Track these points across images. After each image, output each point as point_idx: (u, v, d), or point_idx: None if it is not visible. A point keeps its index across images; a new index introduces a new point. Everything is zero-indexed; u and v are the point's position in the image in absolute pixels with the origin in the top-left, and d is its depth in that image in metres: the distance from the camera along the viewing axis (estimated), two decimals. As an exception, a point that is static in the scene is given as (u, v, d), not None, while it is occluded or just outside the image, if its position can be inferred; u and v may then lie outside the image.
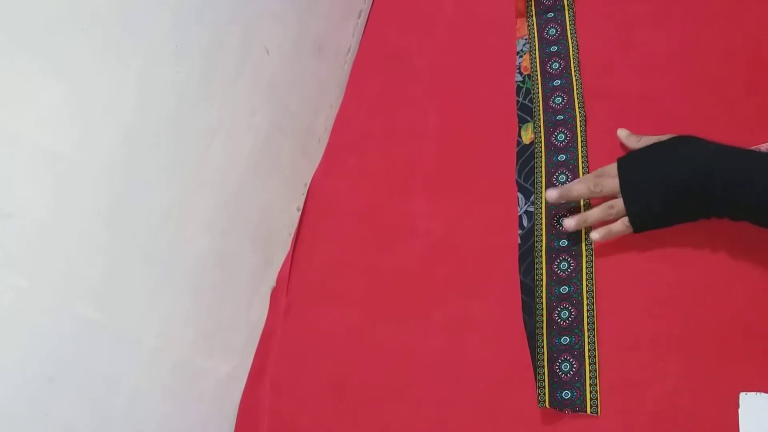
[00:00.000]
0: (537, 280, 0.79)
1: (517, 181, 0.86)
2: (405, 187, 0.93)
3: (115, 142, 0.65)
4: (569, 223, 0.76)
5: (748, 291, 0.71)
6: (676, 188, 0.69)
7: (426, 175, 0.93)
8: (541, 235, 0.81)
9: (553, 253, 0.79)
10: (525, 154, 0.87)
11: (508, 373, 0.77)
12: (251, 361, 0.89)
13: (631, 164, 0.73)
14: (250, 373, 0.89)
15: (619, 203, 0.72)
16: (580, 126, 0.85)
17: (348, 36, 1.08)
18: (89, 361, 0.64)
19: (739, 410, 0.65)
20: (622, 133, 0.78)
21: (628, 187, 0.71)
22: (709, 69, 0.82)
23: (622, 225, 0.73)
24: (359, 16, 1.10)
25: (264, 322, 0.92)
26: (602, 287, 0.76)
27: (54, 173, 0.59)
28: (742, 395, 0.65)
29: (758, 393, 0.65)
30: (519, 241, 0.82)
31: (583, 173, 0.82)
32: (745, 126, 0.78)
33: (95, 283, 0.64)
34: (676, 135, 0.73)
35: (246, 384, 0.88)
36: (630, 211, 0.72)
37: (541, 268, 0.79)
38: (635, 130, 0.82)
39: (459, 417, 0.77)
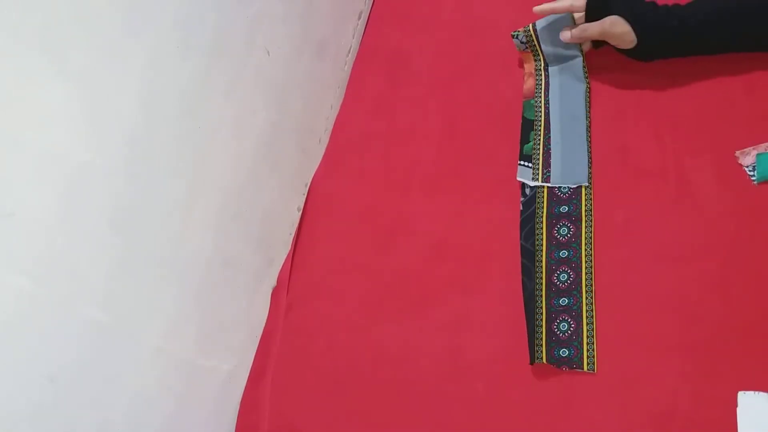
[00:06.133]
0: (537, 244, 0.81)
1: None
2: (405, 187, 0.94)
3: (118, 143, 0.65)
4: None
5: (748, 291, 0.71)
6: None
7: (426, 175, 0.93)
8: (543, 201, 0.83)
9: (554, 219, 0.82)
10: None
11: (508, 372, 0.77)
12: (252, 360, 0.90)
13: None
14: (250, 372, 0.89)
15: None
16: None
17: (348, 37, 1.08)
18: (92, 362, 0.64)
19: (738, 409, 0.65)
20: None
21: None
22: (710, 69, 0.83)
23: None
24: (359, 17, 1.10)
25: (265, 321, 0.92)
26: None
27: (57, 173, 0.59)
28: (741, 394, 0.66)
29: (756, 392, 0.65)
30: (521, 208, 0.84)
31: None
32: (745, 126, 0.78)
33: (99, 284, 0.64)
34: None
35: (246, 383, 0.88)
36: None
37: (542, 234, 0.81)
38: (633, 127, 0.84)
39: (458, 416, 0.78)
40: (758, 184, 0.74)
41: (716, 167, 0.77)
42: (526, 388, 0.75)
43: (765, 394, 0.65)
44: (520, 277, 0.80)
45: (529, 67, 0.93)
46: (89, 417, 0.64)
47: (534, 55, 0.92)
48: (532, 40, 0.91)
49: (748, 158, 0.75)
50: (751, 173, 0.74)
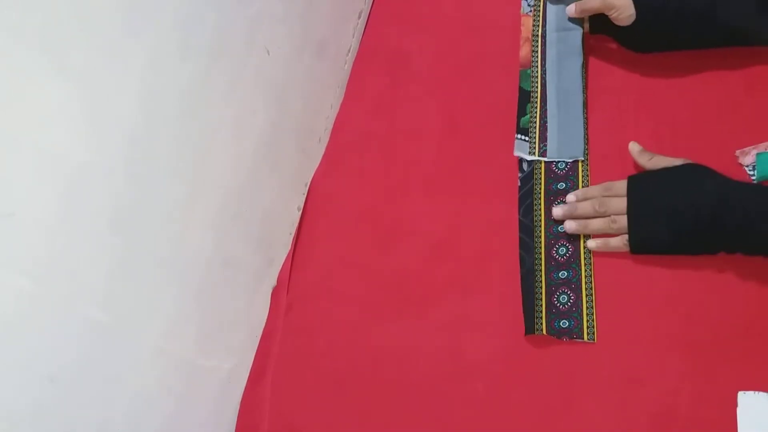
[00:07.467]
0: (536, 220, 0.83)
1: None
2: (405, 187, 0.94)
3: (118, 143, 0.65)
4: (570, 225, 0.79)
5: (748, 290, 0.71)
6: (689, 220, 0.69)
7: (426, 175, 0.93)
8: (540, 177, 0.84)
9: (551, 196, 0.83)
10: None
11: (508, 372, 0.77)
12: (252, 360, 0.90)
13: (641, 187, 0.74)
14: (250, 372, 0.89)
15: (622, 220, 0.74)
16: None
17: (348, 36, 1.08)
18: (92, 362, 0.64)
19: (738, 409, 0.65)
20: (634, 148, 0.78)
21: (636, 212, 0.73)
22: (709, 67, 0.83)
23: (620, 242, 0.75)
24: (359, 17, 1.10)
25: (265, 321, 0.92)
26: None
27: (57, 173, 0.59)
28: (741, 394, 0.66)
29: (756, 392, 0.65)
30: (519, 184, 0.85)
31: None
32: (745, 126, 0.78)
33: (99, 284, 0.64)
34: (688, 161, 0.74)
35: (246, 383, 0.88)
36: (633, 236, 0.73)
37: (540, 209, 0.83)
38: (633, 127, 0.83)
39: (458, 416, 0.78)
40: (758, 183, 0.74)
41: (716, 167, 0.77)
42: (526, 388, 0.75)
43: (765, 394, 0.65)
44: (519, 276, 0.81)
45: (526, 31, 0.93)
46: (89, 417, 0.64)
47: (534, 19, 0.93)
48: (539, 3, 0.92)
49: (748, 158, 0.75)
50: (751, 173, 0.74)
